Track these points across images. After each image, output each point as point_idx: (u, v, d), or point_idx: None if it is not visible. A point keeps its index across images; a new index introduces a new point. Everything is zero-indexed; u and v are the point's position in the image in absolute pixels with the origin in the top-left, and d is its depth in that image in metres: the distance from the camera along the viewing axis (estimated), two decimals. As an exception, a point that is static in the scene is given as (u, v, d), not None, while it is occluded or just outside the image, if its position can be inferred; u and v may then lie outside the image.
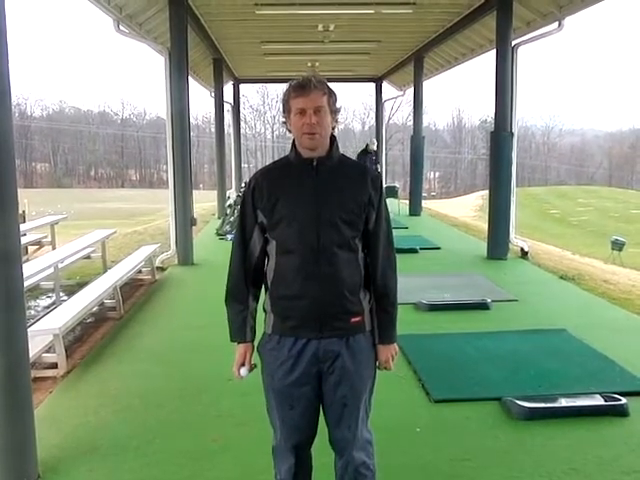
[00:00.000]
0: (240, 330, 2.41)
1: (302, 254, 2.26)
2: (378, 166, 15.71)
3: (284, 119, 2.34)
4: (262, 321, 2.41)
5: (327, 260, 2.25)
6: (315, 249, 2.25)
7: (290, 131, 2.31)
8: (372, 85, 21.28)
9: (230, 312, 2.44)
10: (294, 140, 2.32)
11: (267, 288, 2.39)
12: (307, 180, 2.28)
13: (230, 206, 13.76)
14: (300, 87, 2.22)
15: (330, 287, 2.26)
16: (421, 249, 10.29)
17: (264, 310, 2.42)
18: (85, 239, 9.20)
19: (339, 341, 2.31)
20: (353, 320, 2.32)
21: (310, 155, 2.28)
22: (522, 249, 9.88)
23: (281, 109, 2.36)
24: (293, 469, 2.42)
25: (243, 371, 2.40)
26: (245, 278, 2.38)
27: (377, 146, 18.80)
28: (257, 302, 2.44)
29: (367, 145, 15.76)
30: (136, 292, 7.79)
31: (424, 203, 17.32)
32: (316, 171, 2.29)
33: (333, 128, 2.32)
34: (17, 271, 3.19)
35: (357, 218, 2.30)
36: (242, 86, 21.25)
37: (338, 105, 2.33)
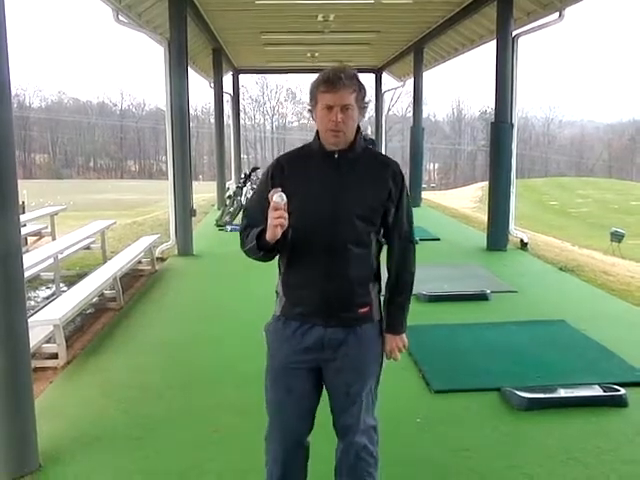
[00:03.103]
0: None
1: (315, 248, 2.26)
2: None
3: (310, 107, 2.29)
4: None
5: (339, 256, 2.24)
6: (328, 244, 2.24)
7: (314, 119, 2.28)
8: (372, 76, 21.17)
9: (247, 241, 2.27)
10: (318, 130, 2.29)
11: (280, 272, 2.40)
12: (327, 173, 2.27)
13: (229, 197, 13.74)
14: (330, 83, 2.17)
15: (339, 282, 2.27)
16: (421, 240, 10.24)
17: (276, 292, 2.43)
18: (85, 230, 9.19)
19: (345, 329, 2.31)
20: (361, 311, 2.33)
21: (333, 148, 2.26)
22: (522, 240, 9.89)
23: (309, 96, 2.29)
24: (283, 455, 2.42)
25: (277, 197, 2.08)
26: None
27: (376, 136, 18.77)
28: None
29: (364, 134, 15.72)
30: (136, 283, 7.79)
31: (423, 194, 17.30)
32: (337, 164, 2.27)
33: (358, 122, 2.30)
34: (17, 262, 3.19)
35: (374, 214, 2.29)
36: (241, 77, 21.15)
37: (367, 99, 2.29)
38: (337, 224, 2.24)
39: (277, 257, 2.36)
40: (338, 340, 2.30)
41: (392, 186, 2.30)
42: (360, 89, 2.24)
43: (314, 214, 2.24)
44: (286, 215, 2.08)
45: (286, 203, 2.08)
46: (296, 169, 2.31)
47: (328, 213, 2.24)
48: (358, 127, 2.30)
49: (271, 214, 2.08)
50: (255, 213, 2.29)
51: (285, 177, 2.28)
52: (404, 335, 2.47)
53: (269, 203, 2.11)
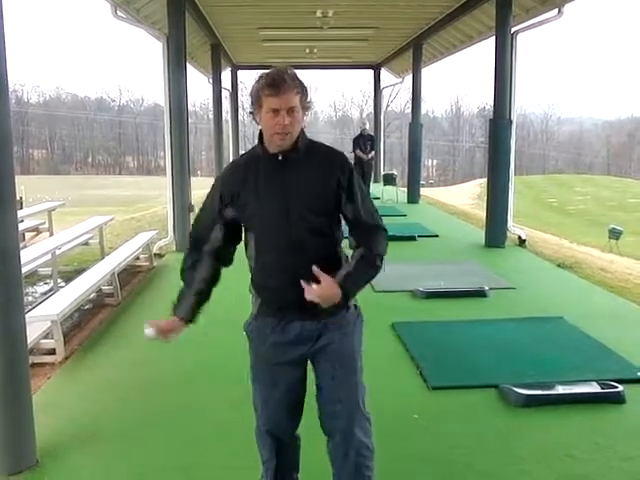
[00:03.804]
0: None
1: (277, 249, 2.30)
2: (373, 152, 15.65)
3: (252, 111, 2.29)
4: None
5: (301, 252, 2.25)
6: (288, 243, 2.27)
7: (257, 122, 2.28)
8: (370, 72, 21.19)
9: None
10: (261, 132, 2.29)
11: (251, 271, 2.44)
12: (274, 175, 2.28)
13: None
14: (275, 86, 2.17)
15: (307, 276, 2.25)
16: (419, 237, 10.28)
17: (250, 292, 2.48)
18: (83, 226, 9.19)
19: (319, 321, 2.33)
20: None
21: (276, 150, 2.27)
22: (520, 237, 9.89)
23: (251, 100, 2.27)
24: (274, 449, 2.48)
25: (149, 331, 2.43)
26: (197, 261, 2.46)
27: (375, 132, 18.77)
28: (209, 284, 2.49)
29: (362, 129, 15.74)
30: (134, 279, 7.78)
31: (422, 191, 17.30)
32: (282, 165, 2.28)
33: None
34: (15, 258, 3.18)
35: (327, 205, 2.29)
36: (240, 72, 21.13)
37: (308, 100, 2.30)
38: (293, 223, 2.26)
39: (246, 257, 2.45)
40: (317, 332, 2.33)
41: (339, 175, 2.29)
42: (303, 90, 2.25)
43: (269, 216, 2.28)
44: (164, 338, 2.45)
45: (154, 335, 2.43)
46: (243, 179, 2.33)
47: (282, 213, 2.26)
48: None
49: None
50: (203, 229, 2.43)
51: (234, 191, 2.33)
52: (340, 293, 2.22)
53: (221, 218, 2.35)
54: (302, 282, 2.19)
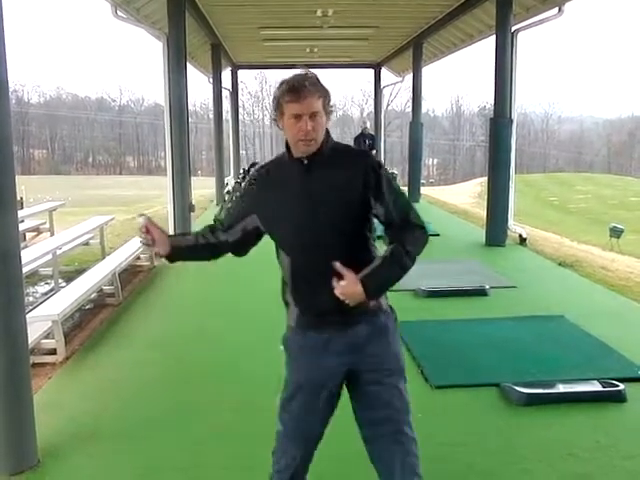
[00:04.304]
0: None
1: (310, 254, 2.24)
2: (374, 152, 15.69)
3: (274, 117, 2.25)
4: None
5: (332, 256, 2.17)
6: (319, 247, 2.22)
7: (280, 128, 2.25)
8: (371, 71, 21.16)
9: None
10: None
11: (284, 282, 2.36)
12: (300, 182, 2.25)
13: (228, 192, 13.75)
14: (295, 91, 2.14)
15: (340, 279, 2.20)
16: (420, 236, 10.26)
17: (285, 302, 2.39)
18: (83, 226, 9.19)
19: (362, 328, 2.28)
20: (372, 303, 2.27)
21: (301, 155, 2.24)
22: (520, 236, 9.89)
23: (272, 107, 2.25)
24: (298, 457, 2.39)
25: (142, 219, 2.38)
26: (216, 230, 2.45)
27: (375, 132, 18.78)
28: (206, 251, 2.52)
29: (362, 128, 15.80)
30: (134, 279, 7.78)
31: (422, 190, 17.29)
32: (307, 169, 2.24)
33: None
34: (16, 258, 3.19)
35: (354, 206, 2.24)
36: (240, 72, 21.11)
37: (331, 103, 2.26)
38: (322, 225, 2.21)
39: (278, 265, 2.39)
40: (362, 339, 2.27)
41: (365, 175, 2.23)
42: (325, 93, 2.21)
43: (298, 222, 2.24)
44: (146, 237, 2.34)
45: (144, 224, 2.34)
46: (271, 185, 2.32)
47: (310, 217, 2.22)
48: (326, 129, 2.27)
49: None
50: (225, 221, 2.43)
51: (262, 195, 2.32)
52: (363, 292, 2.15)
53: (242, 224, 2.34)
54: (334, 280, 2.14)
